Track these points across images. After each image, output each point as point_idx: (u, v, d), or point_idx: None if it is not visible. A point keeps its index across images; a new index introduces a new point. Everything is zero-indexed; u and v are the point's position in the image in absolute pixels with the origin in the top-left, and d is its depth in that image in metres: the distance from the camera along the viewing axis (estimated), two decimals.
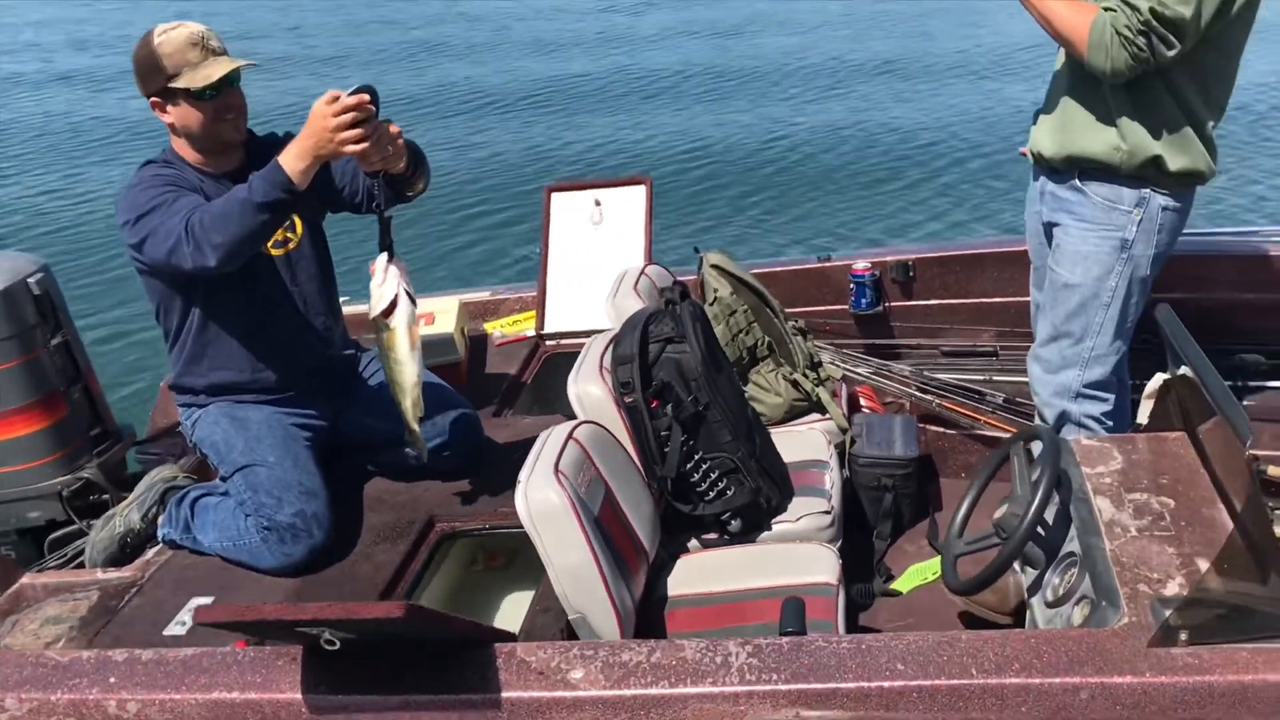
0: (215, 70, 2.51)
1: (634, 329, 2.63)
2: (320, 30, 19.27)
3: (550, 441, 2.34)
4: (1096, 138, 2.64)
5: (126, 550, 2.81)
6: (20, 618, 2.57)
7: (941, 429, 3.50)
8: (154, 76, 2.52)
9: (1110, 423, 2.84)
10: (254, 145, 2.73)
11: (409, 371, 2.49)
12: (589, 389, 2.67)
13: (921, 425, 3.45)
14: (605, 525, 2.32)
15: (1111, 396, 2.84)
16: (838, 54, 14.63)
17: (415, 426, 2.61)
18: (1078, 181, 2.72)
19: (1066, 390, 2.84)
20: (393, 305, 2.42)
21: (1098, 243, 2.71)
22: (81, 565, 2.85)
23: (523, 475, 2.24)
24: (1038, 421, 2.97)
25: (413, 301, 2.45)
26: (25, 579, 2.72)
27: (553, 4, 19.82)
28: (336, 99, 2.28)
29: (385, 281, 2.42)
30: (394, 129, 2.40)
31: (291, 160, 2.34)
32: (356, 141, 2.30)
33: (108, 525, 2.82)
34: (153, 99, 2.56)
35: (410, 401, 2.54)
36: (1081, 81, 2.64)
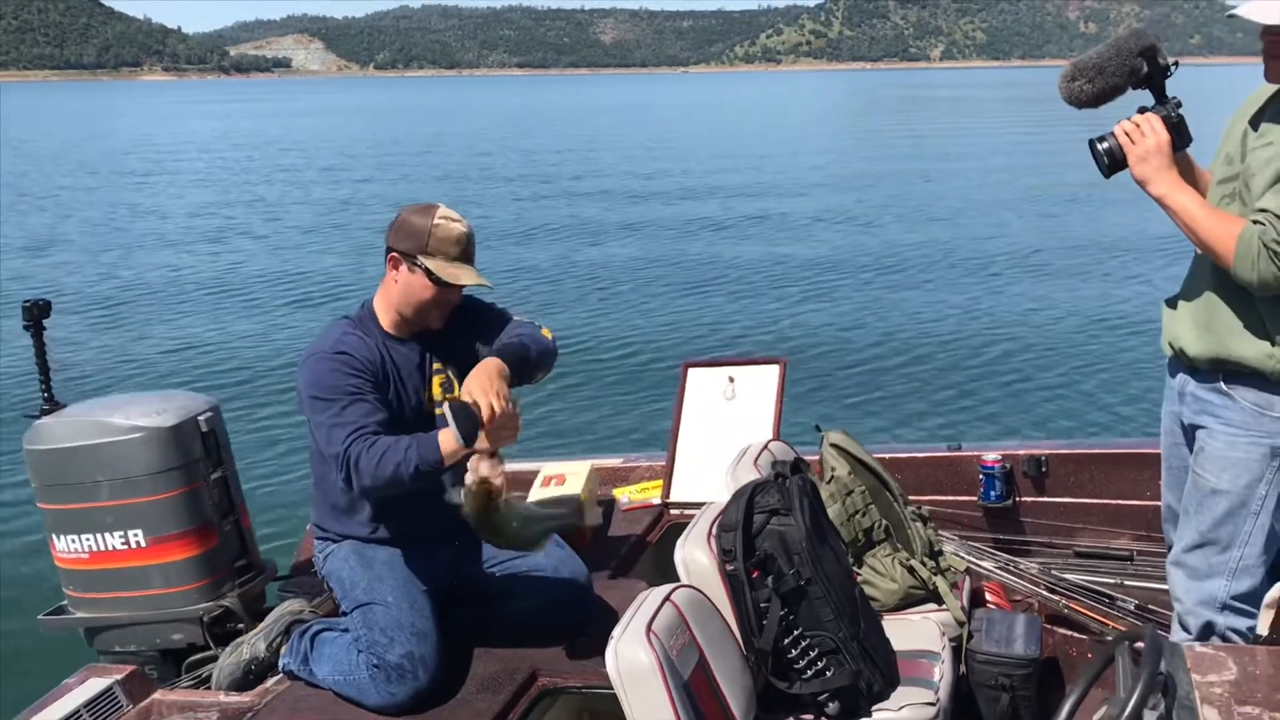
0: (462, 275, 2.76)
1: (740, 498, 2.69)
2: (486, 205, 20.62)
3: (647, 602, 2.39)
4: (1248, 344, 2.53)
5: (250, 677, 2.95)
6: None
7: (1069, 632, 3.37)
8: (413, 240, 2.76)
9: None
10: None
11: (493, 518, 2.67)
12: (695, 554, 2.71)
13: (1048, 627, 3.32)
14: (694, 692, 2.33)
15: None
16: (978, 245, 14.87)
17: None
18: (1223, 384, 2.61)
19: (1212, 600, 2.67)
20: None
21: (1247, 449, 2.58)
22: (209, 687, 3.01)
23: (616, 632, 2.29)
24: (1176, 629, 2.82)
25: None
26: (157, 694, 2.90)
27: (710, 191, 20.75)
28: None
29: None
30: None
31: (450, 446, 2.60)
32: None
33: (235, 651, 2.98)
34: (395, 253, 2.80)
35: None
36: (1229, 279, 2.52)
